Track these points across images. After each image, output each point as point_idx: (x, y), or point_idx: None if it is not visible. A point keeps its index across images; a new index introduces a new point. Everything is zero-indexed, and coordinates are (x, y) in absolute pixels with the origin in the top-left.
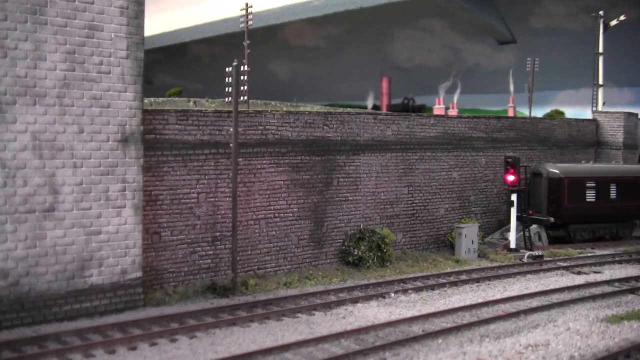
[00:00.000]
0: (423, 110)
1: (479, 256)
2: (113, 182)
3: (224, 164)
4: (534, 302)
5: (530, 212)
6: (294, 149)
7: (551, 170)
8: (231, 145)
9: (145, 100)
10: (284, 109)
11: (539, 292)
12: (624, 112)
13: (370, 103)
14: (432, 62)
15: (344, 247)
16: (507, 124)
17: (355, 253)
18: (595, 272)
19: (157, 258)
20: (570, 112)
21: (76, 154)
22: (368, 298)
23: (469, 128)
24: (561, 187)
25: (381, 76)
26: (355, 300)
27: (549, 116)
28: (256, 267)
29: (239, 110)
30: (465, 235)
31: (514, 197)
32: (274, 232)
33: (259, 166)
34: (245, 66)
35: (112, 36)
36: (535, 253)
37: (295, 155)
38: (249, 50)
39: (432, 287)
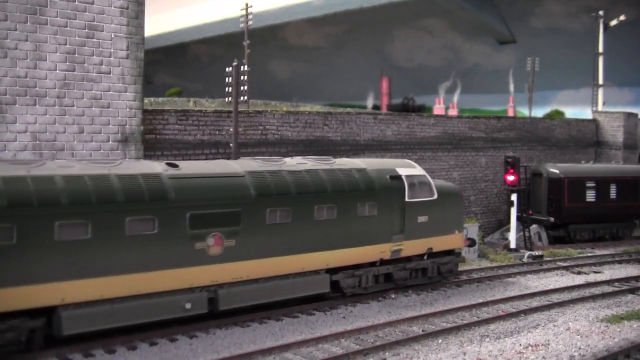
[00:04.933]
0: (423, 110)
1: (479, 256)
2: None
3: None
4: (534, 302)
5: (530, 212)
6: (294, 149)
7: (551, 170)
8: (231, 145)
9: (145, 100)
10: (284, 109)
11: (539, 292)
12: (624, 112)
13: (370, 103)
14: (432, 62)
15: None
16: (507, 124)
17: None
18: (595, 272)
19: None
20: (570, 112)
21: (76, 154)
22: (368, 298)
23: (469, 128)
24: (561, 187)
25: (381, 76)
26: (355, 300)
27: (549, 116)
28: None
29: (239, 110)
30: None
31: (514, 197)
32: None
33: None
34: (245, 66)
35: (112, 36)
36: (535, 253)
37: (296, 155)
38: (249, 50)
39: (431, 287)
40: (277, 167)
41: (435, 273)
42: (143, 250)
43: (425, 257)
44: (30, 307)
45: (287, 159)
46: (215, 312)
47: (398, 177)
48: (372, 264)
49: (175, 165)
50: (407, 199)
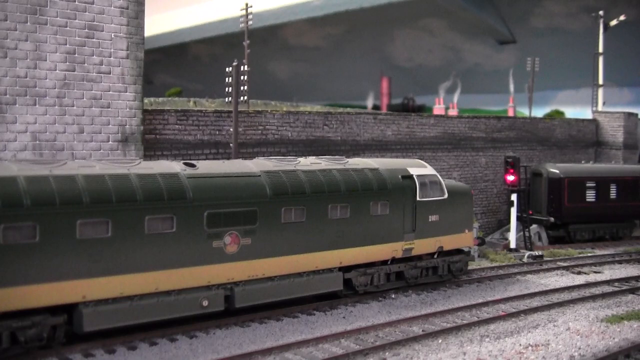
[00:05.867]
0: (423, 110)
1: (479, 256)
2: None
3: None
4: (534, 302)
5: (530, 212)
6: (294, 149)
7: (551, 170)
8: (231, 145)
9: (145, 100)
10: (284, 109)
11: (539, 292)
12: (624, 112)
13: (370, 103)
14: (432, 62)
15: None
16: (507, 124)
17: None
18: (595, 272)
19: None
20: (570, 112)
21: (76, 154)
22: (368, 298)
23: (469, 128)
24: (561, 187)
25: (381, 76)
26: (355, 300)
27: (549, 116)
28: None
29: (239, 110)
30: None
31: (514, 197)
32: None
33: None
34: (245, 66)
35: (112, 36)
36: (535, 253)
37: (296, 155)
38: (249, 50)
39: (432, 287)
40: (292, 167)
41: (446, 271)
42: (162, 248)
43: (435, 256)
44: (52, 304)
45: (302, 159)
46: (231, 309)
47: (409, 177)
48: (384, 263)
49: (193, 165)
50: (418, 198)
